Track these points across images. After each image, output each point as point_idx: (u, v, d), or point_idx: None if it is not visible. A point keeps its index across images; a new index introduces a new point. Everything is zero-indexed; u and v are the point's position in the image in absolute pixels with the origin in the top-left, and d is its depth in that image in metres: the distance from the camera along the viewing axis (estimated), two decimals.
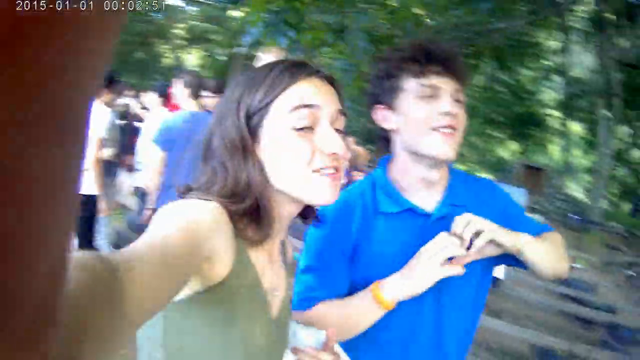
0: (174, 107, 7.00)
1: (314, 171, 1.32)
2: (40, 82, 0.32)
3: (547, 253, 1.90)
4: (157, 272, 0.87)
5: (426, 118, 1.81)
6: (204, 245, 1.10)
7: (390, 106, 1.93)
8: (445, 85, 1.83)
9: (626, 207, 39.62)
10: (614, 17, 12.70)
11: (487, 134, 37.37)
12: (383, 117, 1.96)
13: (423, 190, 1.97)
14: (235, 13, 26.75)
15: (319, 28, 6.10)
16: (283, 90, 1.33)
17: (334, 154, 1.34)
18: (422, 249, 1.78)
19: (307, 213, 1.57)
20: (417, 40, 1.91)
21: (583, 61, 34.68)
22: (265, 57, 6.33)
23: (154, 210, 5.79)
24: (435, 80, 1.82)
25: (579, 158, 44.46)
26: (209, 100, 6.56)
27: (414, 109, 1.84)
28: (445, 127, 1.80)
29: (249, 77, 1.40)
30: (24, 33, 0.30)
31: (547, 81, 36.00)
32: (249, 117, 1.34)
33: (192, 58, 35.62)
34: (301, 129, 1.31)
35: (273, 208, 1.37)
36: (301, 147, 1.30)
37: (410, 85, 1.85)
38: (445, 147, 1.81)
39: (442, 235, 1.78)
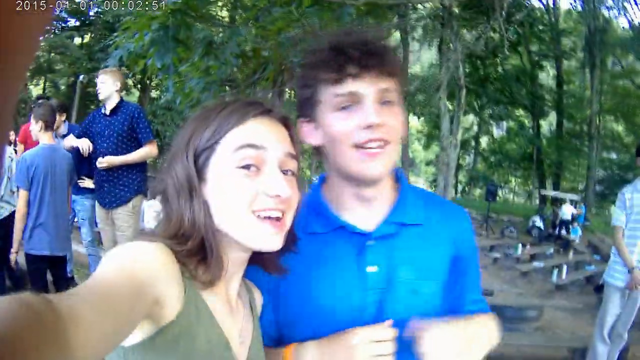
0: (27, 142, 6.78)
1: (254, 212, 1.28)
2: None
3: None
4: (101, 315, 0.86)
5: (346, 133, 1.55)
6: (149, 287, 1.08)
7: (311, 120, 1.66)
8: (366, 88, 1.54)
9: (477, 192, 41.59)
10: (459, 10, 13.19)
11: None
12: (306, 132, 1.69)
13: (360, 208, 1.70)
14: (78, 40, 26.09)
15: (189, 44, 6.01)
16: (230, 129, 1.31)
17: (277, 196, 1.29)
18: (356, 337, 1.49)
19: (264, 261, 1.50)
20: (332, 37, 1.64)
21: (423, 57, 36.06)
22: (103, 78, 6.15)
23: (28, 254, 5.64)
24: (352, 86, 1.54)
25: (419, 152, 46.10)
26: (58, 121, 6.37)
27: (332, 123, 1.58)
28: (368, 142, 1.54)
29: (200, 115, 1.38)
30: None
31: None
32: (196, 156, 1.31)
33: (36, 90, 34.37)
34: (245, 168, 1.28)
35: (220, 250, 1.31)
36: (243, 187, 1.27)
37: (326, 96, 1.59)
38: (370, 166, 1.55)
39: (386, 339, 1.49)
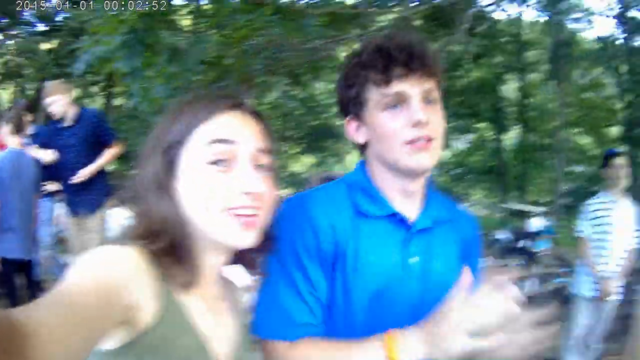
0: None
1: (228, 209, 1.26)
2: None
3: None
4: (64, 326, 0.86)
5: (395, 131, 1.64)
6: (120, 293, 1.06)
7: (358, 118, 1.75)
8: (412, 88, 1.63)
9: None
10: (420, 22, 13.10)
11: (280, 150, 37.19)
12: (353, 129, 1.79)
13: (402, 199, 1.76)
14: (47, 45, 25.84)
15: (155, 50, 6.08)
16: (200, 123, 1.29)
17: (250, 193, 1.27)
18: (456, 312, 1.41)
19: (244, 260, 1.52)
20: (375, 40, 1.72)
21: None
22: (51, 99, 6.04)
23: None
24: (399, 86, 1.63)
25: None
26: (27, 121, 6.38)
27: (381, 121, 1.66)
28: (416, 139, 1.62)
29: (171, 110, 1.36)
30: None
31: None
32: (167, 151, 1.29)
33: (5, 94, 33.85)
34: (217, 164, 1.25)
35: (195, 247, 1.31)
36: (215, 183, 1.25)
37: (373, 96, 1.67)
38: (419, 159, 1.62)
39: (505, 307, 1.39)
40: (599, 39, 31.44)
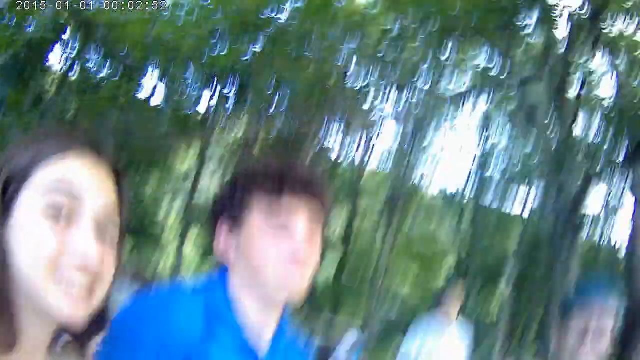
0: None
1: (56, 276, 0.98)
2: None
3: None
4: None
5: (273, 258, 1.55)
6: None
7: (233, 228, 1.63)
8: (298, 217, 1.59)
9: None
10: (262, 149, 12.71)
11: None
12: (224, 238, 1.66)
13: (259, 325, 1.64)
14: None
15: None
16: (43, 162, 1.04)
17: (83, 263, 0.99)
18: None
19: (75, 334, 1.17)
20: (268, 161, 1.73)
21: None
22: None
23: None
24: (286, 214, 1.58)
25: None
26: None
27: (260, 243, 1.58)
28: (293, 270, 1.57)
29: (17, 144, 1.13)
30: None
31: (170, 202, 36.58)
32: (6, 187, 1.03)
33: None
34: (52, 218, 0.99)
35: (20, 306, 1.01)
36: (44, 243, 0.98)
37: (258, 213, 1.60)
38: (293, 290, 1.60)
39: None
40: (441, 192, 33.44)
